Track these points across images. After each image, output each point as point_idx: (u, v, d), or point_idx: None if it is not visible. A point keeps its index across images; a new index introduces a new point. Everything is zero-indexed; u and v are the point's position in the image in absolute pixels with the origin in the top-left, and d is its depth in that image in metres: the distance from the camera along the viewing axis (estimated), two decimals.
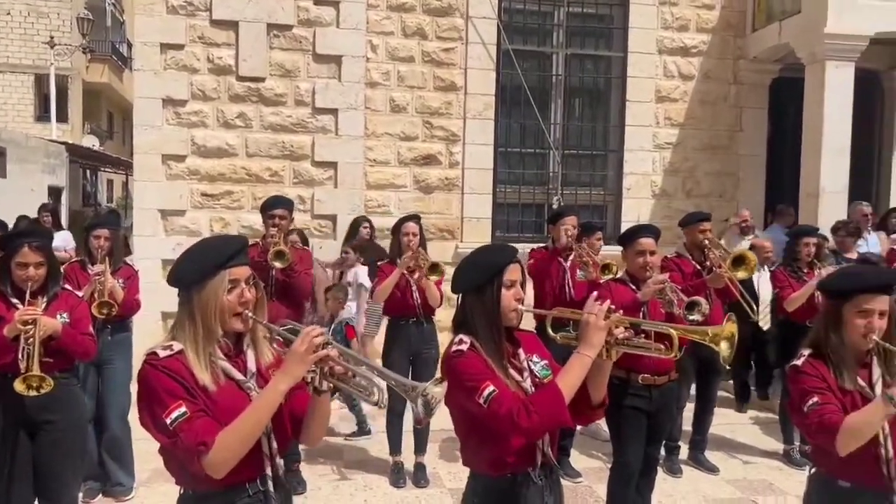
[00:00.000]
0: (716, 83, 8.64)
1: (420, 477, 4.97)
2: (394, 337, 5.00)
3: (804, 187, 7.65)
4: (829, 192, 7.37)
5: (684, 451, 5.52)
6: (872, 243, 7.70)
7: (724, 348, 2.28)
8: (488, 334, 2.19)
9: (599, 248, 5.79)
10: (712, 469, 5.35)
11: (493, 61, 8.18)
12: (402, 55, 8.01)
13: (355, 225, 7.30)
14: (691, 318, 3.89)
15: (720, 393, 7.12)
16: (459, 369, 2.15)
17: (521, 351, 2.29)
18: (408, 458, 5.12)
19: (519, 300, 2.22)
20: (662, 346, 2.20)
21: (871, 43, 7.50)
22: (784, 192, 8.63)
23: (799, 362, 2.46)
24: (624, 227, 8.48)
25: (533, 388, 2.21)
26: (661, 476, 5.15)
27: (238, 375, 2.02)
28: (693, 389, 5.61)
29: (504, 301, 2.20)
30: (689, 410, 5.64)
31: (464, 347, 2.19)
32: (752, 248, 6.76)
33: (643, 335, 2.25)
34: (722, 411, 6.71)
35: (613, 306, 2.15)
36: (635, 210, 8.59)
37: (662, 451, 5.38)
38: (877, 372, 2.40)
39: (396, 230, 5.19)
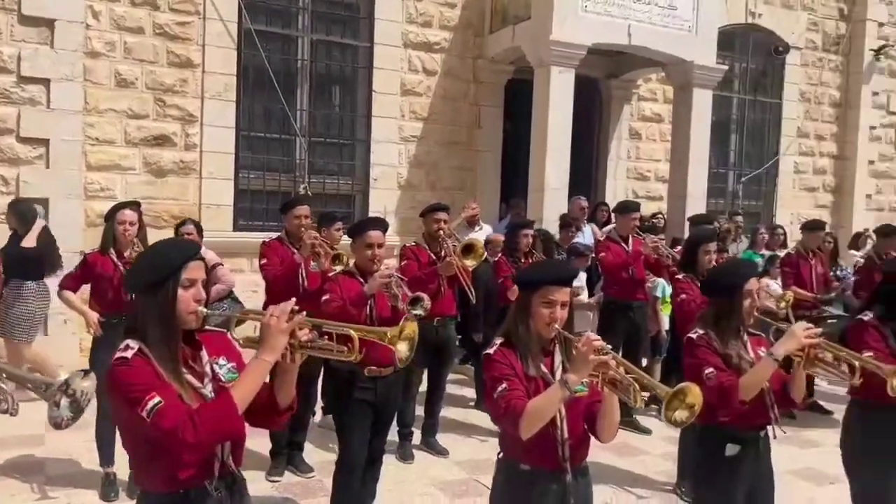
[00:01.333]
0: (457, 80, 9.00)
1: (135, 488, 4.54)
2: (103, 338, 4.50)
3: (532, 183, 8.24)
4: (552, 188, 8.01)
5: (418, 437, 5.66)
6: (588, 234, 8.53)
7: (402, 350, 2.28)
8: (160, 338, 1.98)
9: (339, 238, 5.73)
10: (442, 452, 5.54)
11: (234, 40, 7.76)
12: (129, 25, 7.29)
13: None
14: (414, 312, 3.96)
15: (459, 376, 7.48)
16: (122, 379, 1.91)
17: (203, 354, 2.11)
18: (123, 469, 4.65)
19: (199, 301, 2.03)
20: (345, 349, 2.14)
21: (592, 53, 8.27)
22: (519, 187, 9.24)
23: (491, 350, 2.55)
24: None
25: (214, 394, 2.04)
26: (392, 463, 5.27)
27: None
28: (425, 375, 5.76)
29: (181, 303, 2.00)
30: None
31: (129, 354, 1.95)
32: (487, 241, 7.13)
33: (327, 337, 2.18)
34: (459, 394, 7.04)
35: (297, 307, 2.05)
36: (382, 200, 8.68)
37: (396, 438, 5.50)
38: (558, 359, 2.56)
39: (110, 218, 4.67)
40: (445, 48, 8.91)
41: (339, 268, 4.56)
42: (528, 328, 2.52)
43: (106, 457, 4.60)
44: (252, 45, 7.83)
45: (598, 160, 10.43)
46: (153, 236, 7.27)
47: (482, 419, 6.48)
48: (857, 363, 2.80)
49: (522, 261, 6.06)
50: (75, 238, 6.97)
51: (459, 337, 7.55)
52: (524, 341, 2.52)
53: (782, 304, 5.54)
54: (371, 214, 8.52)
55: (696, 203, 8.92)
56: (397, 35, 8.59)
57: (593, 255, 6.84)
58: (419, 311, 3.97)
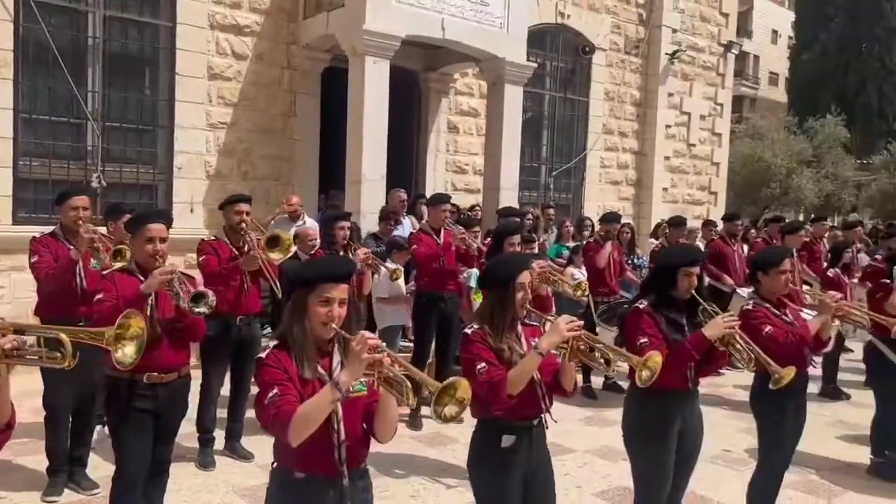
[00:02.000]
0: (269, 66, 8.65)
1: None
2: None
3: (349, 175, 8.09)
4: (369, 180, 7.91)
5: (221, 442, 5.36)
6: (407, 227, 8.53)
7: (127, 353, 2.07)
8: None
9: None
10: (246, 456, 5.27)
11: (10, 11, 6.93)
12: None
13: None
14: (197, 310, 3.68)
15: None
16: None
17: None
18: None
19: None
20: (58, 354, 1.89)
21: (410, 44, 8.24)
22: (339, 178, 9.04)
23: (263, 355, 2.39)
24: (176, 208, 8.03)
25: None
26: (192, 472, 4.96)
27: None
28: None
29: None
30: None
31: None
32: (296, 235, 6.88)
33: (36, 342, 1.91)
34: None
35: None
36: (188, 191, 8.17)
37: (196, 445, 5.17)
38: (336, 359, 2.45)
39: None
40: (257, 32, 8.52)
41: (118, 264, 4.16)
42: (303, 329, 2.38)
43: None
44: (32, 17, 7.03)
45: (418, 152, 10.48)
46: None
47: None
48: (611, 355, 2.92)
49: (342, 254, 5.88)
50: None
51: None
52: (299, 342, 2.38)
53: (579, 293, 5.79)
54: (176, 205, 8.01)
55: (509, 195, 9.21)
56: (203, 16, 8.08)
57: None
58: (203, 309, 3.69)
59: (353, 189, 8.02)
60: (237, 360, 5.31)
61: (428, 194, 10.09)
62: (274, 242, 5.22)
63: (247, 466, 5.18)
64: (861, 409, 6.82)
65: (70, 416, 4.62)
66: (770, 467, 4.14)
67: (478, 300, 7.32)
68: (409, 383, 2.21)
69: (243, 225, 5.27)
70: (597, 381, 7.43)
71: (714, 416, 6.41)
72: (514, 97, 9.13)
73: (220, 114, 8.32)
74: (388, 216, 7.79)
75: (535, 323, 3.15)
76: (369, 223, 7.72)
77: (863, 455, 5.72)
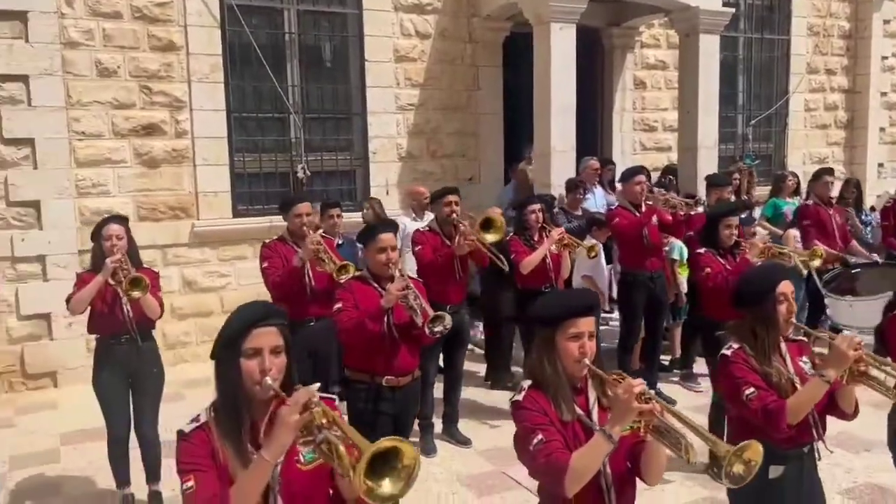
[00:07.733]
0: (452, 42, 8.60)
1: None
2: (104, 358, 4.31)
3: (537, 147, 7.90)
4: (559, 151, 7.69)
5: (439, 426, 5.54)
6: (599, 196, 8.26)
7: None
8: None
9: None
10: (464, 442, 5.42)
11: (217, 18, 7.38)
12: (105, 10, 6.91)
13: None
14: (436, 329, 3.77)
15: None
16: None
17: None
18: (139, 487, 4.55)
19: None
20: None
21: (593, 1, 7.85)
22: (524, 149, 8.90)
23: (520, 397, 2.32)
24: (372, 191, 8.32)
25: None
26: None
27: None
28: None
29: None
30: None
31: None
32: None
33: None
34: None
35: None
36: (383, 174, 8.41)
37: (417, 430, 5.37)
38: (592, 396, 2.36)
39: (96, 235, 4.39)
40: (438, 9, 8.48)
41: (344, 277, 4.41)
42: (556, 369, 2.31)
43: (121, 476, 4.48)
44: (236, 21, 7.45)
45: (603, 114, 10.06)
46: (150, 229, 7.13)
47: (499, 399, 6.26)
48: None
49: (536, 238, 5.80)
50: (70, 239, 6.79)
51: None
52: (554, 384, 2.31)
53: (816, 262, 5.15)
54: (372, 189, 8.29)
55: (708, 154, 8.59)
56: None
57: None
58: (440, 328, 3.80)
59: (543, 162, 7.84)
60: (448, 347, 5.42)
61: (615, 157, 9.73)
62: (488, 224, 5.41)
63: (466, 453, 5.32)
64: None
65: None
66: None
67: (682, 274, 6.97)
68: (686, 438, 2.10)
69: (454, 216, 5.40)
70: None
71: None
72: (710, 47, 8.44)
73: (407, 96, 8.43)
74: (576, 186, 7.54)
75: (800, 337, 2.88)
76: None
77: None
